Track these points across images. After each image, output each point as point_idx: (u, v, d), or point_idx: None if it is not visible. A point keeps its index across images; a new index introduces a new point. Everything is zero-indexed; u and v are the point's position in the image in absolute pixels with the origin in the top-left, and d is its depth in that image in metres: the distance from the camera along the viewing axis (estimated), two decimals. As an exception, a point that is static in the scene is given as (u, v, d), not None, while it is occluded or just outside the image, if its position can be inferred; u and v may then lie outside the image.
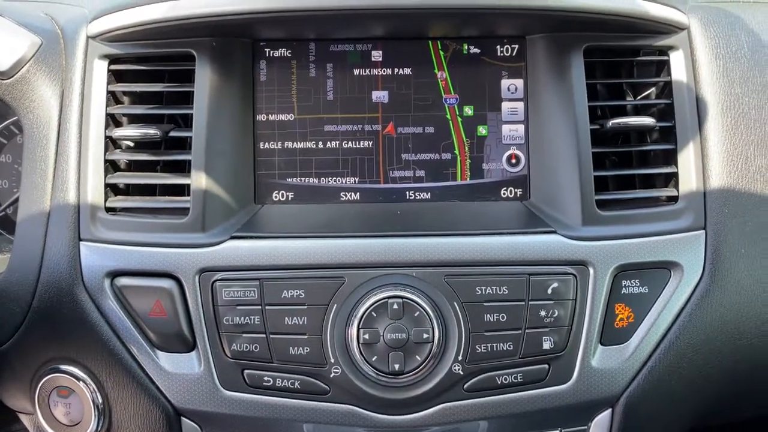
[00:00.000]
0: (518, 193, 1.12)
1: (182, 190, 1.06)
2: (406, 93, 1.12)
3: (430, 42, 1.12)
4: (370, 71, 1.12)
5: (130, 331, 1.00)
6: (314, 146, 1.12)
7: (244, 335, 0.98)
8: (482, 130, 1.12)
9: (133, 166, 1.09)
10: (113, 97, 1.09)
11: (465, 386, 0.98)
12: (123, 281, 1.01)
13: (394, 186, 1.12)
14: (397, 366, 0.95)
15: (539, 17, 1.05)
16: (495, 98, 1.12)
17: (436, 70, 1.12)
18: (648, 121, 1.05)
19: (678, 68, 1.07)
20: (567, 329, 0.98)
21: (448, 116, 1.12)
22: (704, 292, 1.01)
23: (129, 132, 1.05)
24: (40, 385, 1.05)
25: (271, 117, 1.12)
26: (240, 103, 1.10)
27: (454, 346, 0.97)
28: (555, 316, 0.98)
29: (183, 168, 1.07)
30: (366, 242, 1.00)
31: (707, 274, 1.02)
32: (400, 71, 1.12)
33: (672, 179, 1.06)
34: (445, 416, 0.99)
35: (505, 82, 1.13)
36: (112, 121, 1.08)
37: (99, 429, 1.05)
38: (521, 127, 1.12)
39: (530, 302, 0.98)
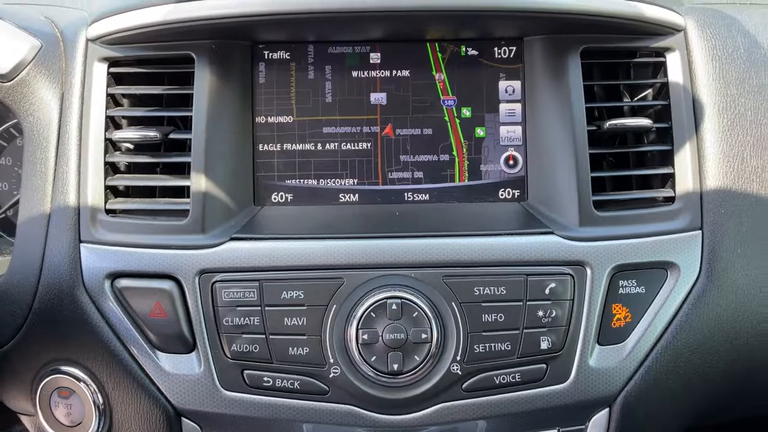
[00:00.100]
0: (516, 194, 1.13)
1: (182, 192, 1.07)
2: (404, 95, 1.13)
3: (428, 44, 1.13)
4: (368, 73, 1.13)
5: (131, 332, 1.01)
6: (313, 148, 1.13)
7: (244, 336, 0.98)
8: (480, 132, 1.13)
9: (133, 168, 1.09)
10: (113, 100, 1.09)
11: (463, 386, 0.99)
12: (123, 283, 1.01)
13: (393, 187, 1.13)
14: (395, 366, 0.96)
15: (536, 19, 1.06)
16: (493, 100, 1.13)
17: (434, 72, 1.13)
18: (645, 122, 1.06)
19: (674, 69, 1.08)
20: (564, 329, 0.99)
21: (447, 118, 1.13)
22: (701, 292, 1.02)
23: (129, 134, 1.06)
24: (41, 386, 1.05)
25: (270, 119, 1.13)
26: (239, 106, 1.11)
27: (453, 346, 0.98)
28: (552, 316, 0.98)
29: (183, 170, 1.08)
30: (365, 243, 1.00)
31: (704, 274, 1.02)
32: (399, 73, 1.13)
33: (669, 180, 1.07)
34: (443, 416, 0.99)
35: (503, 84, 1.13)
36: (112, 123, 1.08)
37: (100, 429, 1.05)
38: (519, 129, 1.13)
39: (528, 302, 0.98)
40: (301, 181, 1.13)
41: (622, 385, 1.02)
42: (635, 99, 1.12)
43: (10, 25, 1.09)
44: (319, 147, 1.13)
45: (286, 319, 0.98)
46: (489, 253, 1.00)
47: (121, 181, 1.07)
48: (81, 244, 1.03)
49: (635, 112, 1.11)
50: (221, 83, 1.07)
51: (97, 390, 1.04)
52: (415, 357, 0.96)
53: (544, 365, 1.00)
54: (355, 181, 1.13)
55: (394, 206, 1.12)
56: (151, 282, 1.01)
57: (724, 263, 1.02)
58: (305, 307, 0.98)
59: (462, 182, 1.13)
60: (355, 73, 1.13)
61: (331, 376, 0.98)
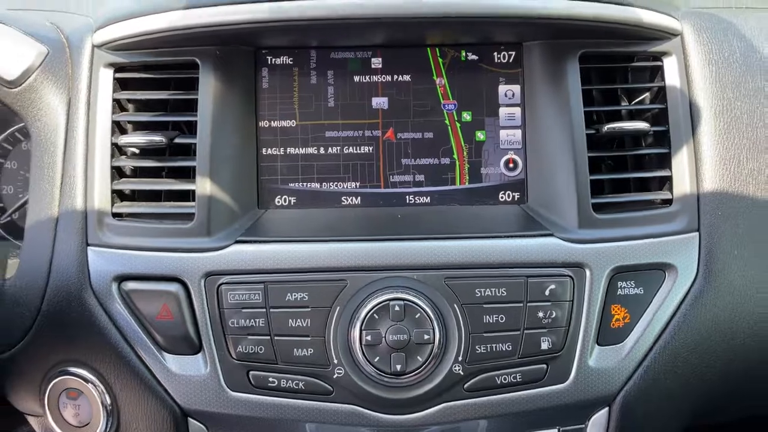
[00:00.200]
0: (516, 196, 1.14)
1: (187, 195, 1.08)
2: (405, 99, 1.15)
3: (428, 49, 1.15)
4: (370, 78, 1.15)
5: (138, 334, 1.02)
6: (316, 152, 1.15)
7: (249, 337, 1.00)
8: (480, 135, 1.15)
9: (139, 172, 1.11)
10: (118, 105, 1.10)
11: (465, 386, 1.00)
12: (130, 285, 1.03)
13: (395, 190, 1.15)
14: (398, 367, 0.97)
15: (535, 25, 1.08)
16: (493, 104, 1.15)
17: (434, 77, 1.15)
18: (642, 125, 1.07)
19: (672, 74, 1.10)
20: (564, 330, 1.00)
21: (447, 122, 1.14)
22: (698, 293, 1.04)
23: (135, 139, 1.07)
24: (49, 387, 1.07)
25: (274, 123, 1.15)
26: (243, 110, 1.12)
27: (455, 346, 0.99)
28: (553, 317, 1.00)
29: (187, 174, 1.09)
30: (367, 246, 1.02)
31: (701, 275, 1.04)
32: (400, 78, 1.15)
33: (666, 182, 1.08)
34: (445, 415, 1.01)
35: (503, 88, 1.15)
36: (118, 128, 1.10)
37: (108, 430, 1.07)
38: (518, 132, 1.14)
39: (528, 304, 1.00)
40: (304, 184, 1.14)
41: (621, 385, 1.03)
42: (633, 103, 1.14)
43: (17, 32, 1.11)
44: (322, 151, 1.14)
45: (290, 320, 0.99)
46: (490, 255, 1.02)
47: (128, 185, 1.08)
48: (88, 248, 1.05)
49: (633, 115, 1.13)
50: (225, 88, 1.09)
51: (104, 391, 1.06)
52: (418, 357, 0.98)
53: (545, 365, 1.01)
54: (358, 184, 1.14)
55: (396, 209, 1.14)
56: (158, 284, 1.02)
57: (720, 265, 1.04)
58: (309, 309, 1.00)
59: (463, 185, 1.14)
60: (356, 78, 1.15)
61: (335, 376, 0.99)
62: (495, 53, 1.15)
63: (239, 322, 1.00)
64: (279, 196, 1.14)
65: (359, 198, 1.14)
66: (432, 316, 0.98)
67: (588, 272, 1.02)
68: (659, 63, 1.11)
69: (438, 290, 1.00)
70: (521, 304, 1.00)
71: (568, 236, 1.03)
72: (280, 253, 1.02)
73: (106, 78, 1.10)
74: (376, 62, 1.14)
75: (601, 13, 1.05)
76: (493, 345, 1.00)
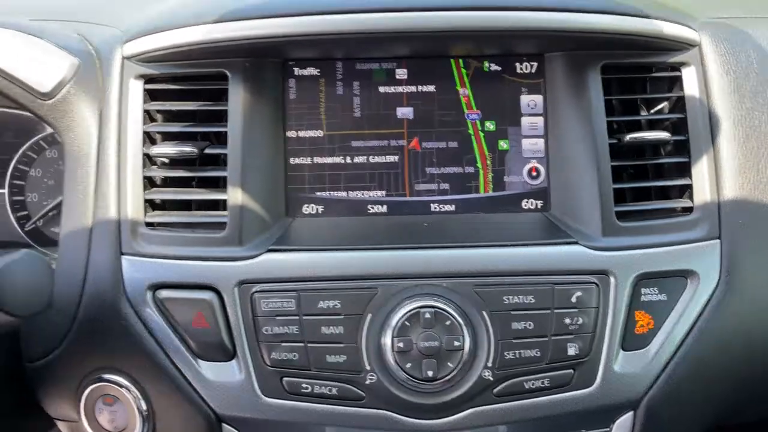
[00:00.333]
0: (539, 204, 1.17)
1: (217, 204, 1.10)
2: (429, 109, 1.17)
3: (452, 60, 1.17)
4: (395, 89, 1.17)
5: (173, 341, 1.04)
6: (342, 161, 1.17)
7: (283, 344, 1.02)
8: (503, 145, 1.17)
9: (169, 182, 1.13)
10: (148, 115, 1.12)
11: (494, 391, 1.03)
12: (164, 293, 1.05)
13: (420, 198, 1.17)
14: (430, 373, 0.99)
15: (557, 38, 1.10)
16: (515, 113, 1.17)
17: (458, 87, 1.17)
18: (664, 135, 1.10)
19: (690, 84, 1.12)
20: (591, 336, 1.03)
21: (471, 131, 1.17)
22: (720, 299, 1.06)
23: (166, 149, 1.09)
24: (85, 393, 1.09)
25: (301, 133, 1.17)
26: (271, 120, 1.14)
27: (484, 353, 1.01)
28: (579, 323, 1.02)
29: (216, 183, 1.11)
30: (398, 254, 1.04)
31: (722, 281, 1.06)
32: (424, 88, 1.17)
33: (686, 191, 1.11)
34: (475, 420, 1.03)
35: (525, 98, 1.17)
36: (148, 138, 1.12)
37: (143, 435, 1.09)
38: (541, 141, 1.17)
39: (555, 310, 1.02)
40: (331, 193, 1.16)
41: (645, 389, 1.05)
42: (651, 112, 1.16)
43: (49, 43, 1.12)
44: (348, 160, 1.17)
45: (323, 327, 1.02)
46: (518, 263, 1.04)
47: (160, 194, 1.10)
48: (122, 257, 1.06)
49: (651, 124, 1.15)
50: (254, 99, 1.11)
51: (140, 397, 1.07)
52: (449, 364, 1.00)
53: (572, 370, 1.04)
54: (383, 193, 1.16)
55: (421, 217, 1.16)
56: (192, 293, 1.04)
57: (742, 271, 1.06)
58: (342, 317, 1.02)
59: (486, 193, 1.17)
60: (382, 89, 1.17)
61: (367, 382, 1.02)
62: (517, 64, 1.17)
63: (273, 330, 1.02)
64: (306, 205, 1.16)
65: (385, 206, 1.17)
66: (462, 323, 1.00)
67: (613, 279, 1.04)
68: (678, 73, 1.13)
69: (467, 298, 1.02)
70: (549, 311, 1.02)
71: (593, 244, 1.05)
72: (312, 261, 1.04)
73: (136, 89, 1.12)
74: (401, 73, 1.17)
75: (624, 26, 1.08)
76: (522, 351, 1.02)
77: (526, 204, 1.16)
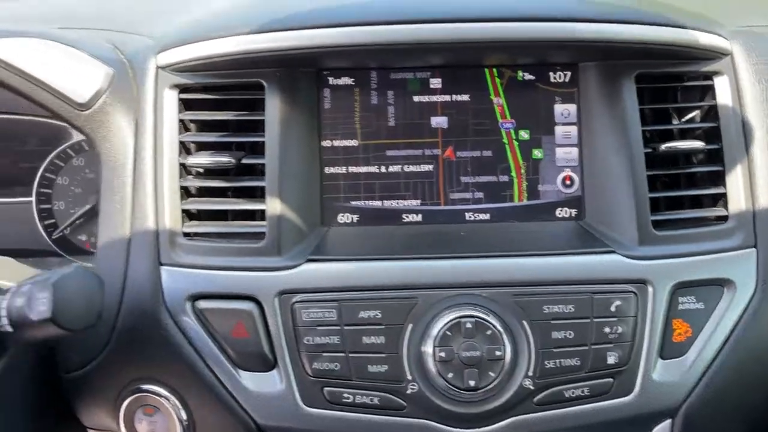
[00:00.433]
0: (573, 213, 1.17)
1: (253, 214, 1.11)
2: (464, 118, 1.17)
3: (486, 69, 1.17)
4: (429, 98, 1.18)
5: (213, 351, 1.05)
6: (377, 170, 1.17)
7: (325, 354, 1.02)
8: (537, 153, 1.18)
9: (203, 192, 1.13)
10: (182, 125, 1.13)
11: (535, 400, 1.03)
12: (204, 304, 1.05)
13: (454, 207, 1.18)
14: (472, 382, 1.00)
15: (591, 48, 1.11)
16: (549, 122, 1.18)
17: (492, 96, 1.17)
18: (698, 144, 1.11)
19: (723, 93, 1.13)
20: (629, 344, 1.03)
21: (505, 140, 1.17)
22: (757, 307, 1.07)
23: (203, 159, 1.10)
24: (125, 403, 1.09)
25: (336, 143, 1.17)
26: (306, 130, 1.15)
27: (525, 362, 1.02)
28: (618, 332, 1.03)
29: (251, 193, 1.12)
30: (437, 264, 1.05)
31: (759, 290, 1.07)
32: (458, 98, 1.17)
33: (720, 199, 1.11)
34: (515, 429, 1.04)
35: (559, 107, 1.18)
36: (183, 148, 1.12)
37: (183, 445, 1.09)
38: (575, 150, 1.17)
39: (595, 319, 1.03)
40: (366, 202, 1.17)
41: (684, 397, 1.06)
42: (683, 121, 1.17)
43: (84, 53, 1.12)
44: (383, 169, 1.17)
45: (364, 337, 1.02)
46: (557, 272, 1.05)
47: (197, 204, 1.10)
48: (161, 267, 1.07)
49: (683, 133, 1.16)
50: (289, 109, 1.11)
51: (181, 407, 1.08)
52: (490, 373, 1.01)
53: (611, 379, 1.04)
54: (418, 201, 1.17)
55: (456, 226, 1.16)
56: (232, 303, 1.05)
57: (778, 280, 1.07)
58: (383, 326, 1.02)
59: (521, 202, 1.17)
60: (416, 98, 1.17)
61: (408, 392, 1.02)
62: (551, 73, 1.17)
63: (314, 340, 1.02)
64: (342, 214, 1.17)
65: (420, 215, 1.17)
66: (503, 333, 1.01)
67: (650, 288, 1.05)
68: (710, 82, 1.13)
69: (507, 307, 1.02)
70: (588, 320, 1.03)
71: (630, 253, 1.06)
72: (352, 271, 1.04)
73: (171, 99, 1.12)
74: (435, 82, 1.17)
75: (660, 36, 1.08)
76: (562, 360, 1.02)
77: (560, 212, 1.17)
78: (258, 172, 1.12)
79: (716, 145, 1.11)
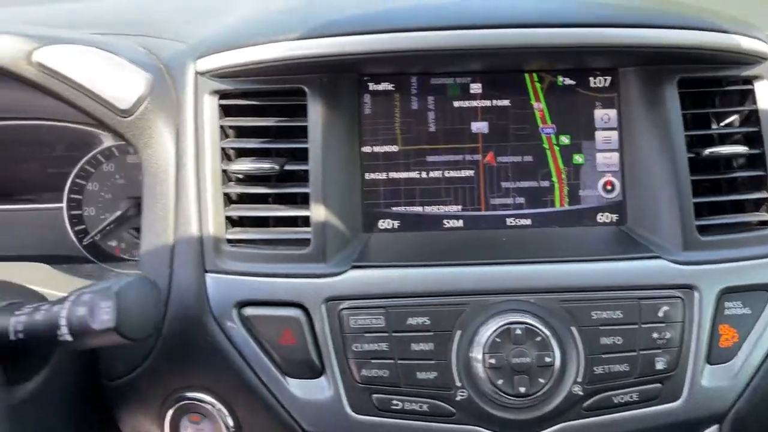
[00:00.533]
0: (614, 218, 1.17)
1: (294, 221, 1.11)
2: (504, 123, 1.17)
3: (526, 75, 1.17)
4: (469, 103, 1.17)
5: (260, 358, 1.04)
6: (418, 176, 1.17)
7: (373, 361, 1.02)
8: (578, 159, 1.18)
9: (245, 199, 1.12)
10: (222, 131, 1.12)
11: (584, 406, 1.03)
12: (250, 311, 1.05)
13: (495, 213, 1.17)
14: (522, 389, 1.00)
15: (632, 53, 1.11)
16: (589, 127, 1.18)
17: (532, 101, 1.17)
18: (741, 149, 1.11)
19: (764, 97, 1.13)
20: (677, 350, 1.03)
21: (546, 145, 1.17)
22: None
23: (247, 165, 1.09)
24: (171, 411, 1.08)
25: (376, 148, 1.17)
26: (346, 136, 1.15)
27: (574, 368, 1.02)
28: (667, 337, 1.03)
29: (293, 199, 1.11)
30: (485, 270, 1.05)
31: None
32: (499, 103, 1.17)
33: (764, 204, 1.11)
34: None
35: (599, 112, 1.18)
36: (223, 154, 1.12)
37: (231, 452, 1.09)
38: (615, 155, 1.17)
39: (643, 325, 1.03)
40: (407, 208, 1.17)
41: (732, 403, 1.06)
42: (721, 125, 1.17)
43: (124, 59, 1.12)
44: (424, 175, 1.17)
45: (413, 344, 1.02)
46: (603, 277, 1.05)
47: (241, 211, 1.10)
48: (206, 274, 1.06)
49: (722, 138, 1.16)
50: (331, 114, 1.11)
51: (228, 414, 1.07)
52: (540, 380, 1.00)
53: (659, 384, 1.04)
54: (459, 207, 1.17)
55: (497, 231, 1.16)
56: (279, 310, 1.05)
57: (824, 284, 1.07)
58: (432, 333, 1.02)
59: (562, 207, 1.17)
60: (456, 103, 1.17)
61: (457, 398, 1.02)
62: (591, 78, 1.17)
63: (363, 347, 1.02)
64: (382, 220, 1.17)
65: (461, 221, 1.17)
66: (552, 339, 1.01)
67: (697, 294, 1.05)
68: (750, 86, 1.14)
69: (556, 313, 1.02)
70: (636, 326, 1.03)
71: (675, 258, 1.06)
72: (399, 278, 1.04)
73: (211, 105, 1.12)
74: (476, 88, 1.17)
75: (703, 41, 1.08)
76: (611, 366, 1.02)
77: (601, 218, 1.17)
78: (299, 178, 1.11)
79: (758, 150, 1.11)
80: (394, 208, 1.17)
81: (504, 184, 1.17)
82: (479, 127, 1.17)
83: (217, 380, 1.07)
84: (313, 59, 1.08)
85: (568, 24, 1.09)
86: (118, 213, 1.43)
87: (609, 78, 1.18)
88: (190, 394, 1.08)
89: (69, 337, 0.81)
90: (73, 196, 1.44)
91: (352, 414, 1.04)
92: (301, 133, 1.11)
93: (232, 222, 1.12)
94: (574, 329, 1.02)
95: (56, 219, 1.46)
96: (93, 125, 1.44)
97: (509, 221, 1.17)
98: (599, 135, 1.18)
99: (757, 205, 1.13)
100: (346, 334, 1.03)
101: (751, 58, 1.13)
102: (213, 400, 1.08)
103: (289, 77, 1.11)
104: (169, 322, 1.05)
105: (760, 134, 1.12)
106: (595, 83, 1.18)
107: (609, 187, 1.17)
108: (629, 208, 1.17)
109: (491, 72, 1.17)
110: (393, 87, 1.17)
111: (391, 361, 1.02)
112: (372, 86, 1.17)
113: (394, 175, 1.17)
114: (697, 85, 1.15)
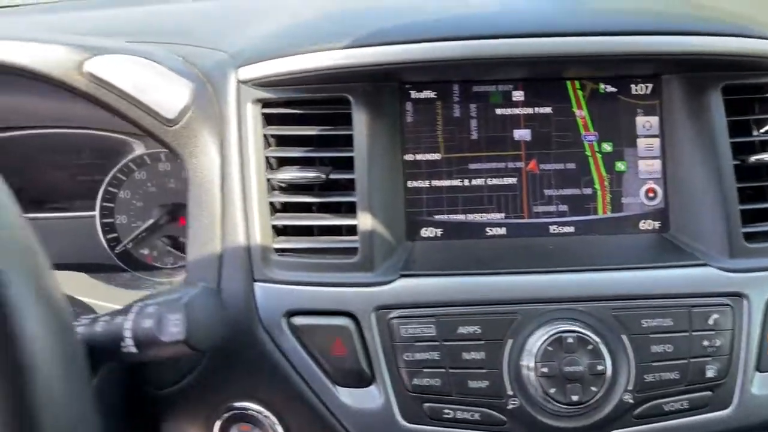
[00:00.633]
0: (657, 225, 1.17)
1: (339, 229, 1.10)
2: (546, 131, 1.17)
3: (568, 82, 1.17)
4: (512, 111, 1.18)
5: (310, 367, 1.04)
6: (460, 183, 1.17)
7: (425, 370, 1.02)
8: (621, 166, 1.18)
9: (288, 208, 1.12)
10: (265, 140, 1.12)
11: (634, 413, 1.03)
12: (300, 320, 1.05)
13: (538, 220, 1.18)
14: (575, 397, 1.00)
15: (677, 60, 1.11)
16: (631, 135, 1.18)
17: (574, 109, 1.18)
18: None
19: None
20: (728, 357, 1.03)
21: (588, 153, 1.17)
22: None
23: (293, 174, 1.09)
24: (220, 420, 1.08)
25: (419, 156, 1.17)
26: (390, 144, 1.15)
27: (625, 376, 1.02)
28: (717, 345, 1.03)
29: (338, 208, 1.11)
30: (533, 278, 1.05)
31: None
32: (541, 110, 1.18)
33: None
34: None
35: (641, 120, 1.18)
36: (267, 163, 1.12)
37: (281, 462, 1.08)
38: (657, 162, 1.18)
39: (693, 333, 1.03)
40: (450, 216, 1.17)
41: None
42: (761, 132, 1.17)
43: (165, 68, 1.12)
44: (466, 182, 1.17)
45: (464, 353, 1.02)
46: (652, 286, 1.05)
47: (287, 220, 1.10)
48: (255, 283, 1.06)
49: (764, 144, 1.16)
50: (374, 123, 1.11)
51: (278, 423, 1.07)
52: (592, 388, 1.00)
53: (710, 392, 1.04)
54: (502, 215, 1.17)
55: (540, 239, 1.16)
56: (329, 319, 1.04)
57: None
58: (483, 342, 1.02)
59: (605, 214, 1.17)
60: (498, 111, 1.17)
61: (509, 407, 1.02)
62: (632, 85, 1.18)
63: (414, 356, 1.02)
64: (425, 228, 1.17)
65: (504, 228, 1.17)
66: (603, 348, 1.01)
67: (746, 301, 1.05)
68: None
69: (606, 321, 1.02)
70: (687, 334, 1.03)
71: (723, 265, 1.06)
72: (449, 286, 1.04)
73: (254, 114, 1.12)
74: (518, 95, 1.17)
75: (747, 48, 1.09)
76: (661, 374, 1.02)
77: (644, 225, 1.17)
78: (342, 186, 1.11)
79: None
80: (437, 216, 1.17)
81: (547, 192, 1.17)
82: (522, 134, 1.17)
83: (266, 389, 1.07)
84: (359, 68, 1.08)
85: (611, 32, 1.09)
86: (151, 221, 1.43)
87: (650, 85, 1.18)
88: (238, 404, 1.08)
89: (134, 349, 0.81)
90: (105, 204, 1.44)
91: (404, 423, 1.04)
92: (344, 141, 1.11)
93: (277, 231, 1.11)
94: (624, 337, 1.02)
95: (87, 227, 1.46)
96: (126, 133, 1.44)
97: (552, 229, 1.17)
98: (641, 142, 1.18)
99: (798, 213, 1.13)
100: (397, 343, 1.02)
101: (792, 65, 1.13)
102: (265, 411, 1.07)
103: (331, 86, 1.11)
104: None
105: None
106: (636, 90, 1.18)
107: (651, 195, 1.18)
108: (672, 215, 1.17)
109: (533, 80, 1.17)
110: (435, 95, 1.17)
111: (443, 369, 1.02)
112: (414, 94, 1.17)
113: (436, 183, 1.17)
114: (739, 92, 1.15)
